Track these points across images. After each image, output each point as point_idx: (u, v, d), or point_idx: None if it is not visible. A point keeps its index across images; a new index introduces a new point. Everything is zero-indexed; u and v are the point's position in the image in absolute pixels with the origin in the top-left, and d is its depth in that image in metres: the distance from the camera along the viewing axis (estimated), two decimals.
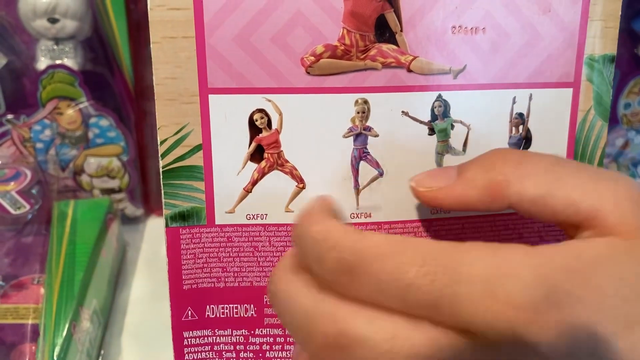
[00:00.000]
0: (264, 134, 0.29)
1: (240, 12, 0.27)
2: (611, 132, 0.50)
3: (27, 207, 0.41)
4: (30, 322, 0.35)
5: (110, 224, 0.43)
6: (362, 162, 0.30)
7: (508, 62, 0.30)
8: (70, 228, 0.41)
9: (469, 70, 0.29)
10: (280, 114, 0.29)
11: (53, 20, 0.43)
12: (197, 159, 0.29)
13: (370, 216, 0.31)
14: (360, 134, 0.29)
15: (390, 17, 0.28)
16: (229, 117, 0.29)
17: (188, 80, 0.28)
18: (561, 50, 0.30)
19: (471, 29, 0.28)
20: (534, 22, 0.29)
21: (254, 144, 0.29)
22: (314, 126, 0.29)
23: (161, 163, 0.29)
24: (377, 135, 0.29)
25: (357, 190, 0.30)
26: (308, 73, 0.28)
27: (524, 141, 0.31)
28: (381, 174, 0.30)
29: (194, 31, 0.27)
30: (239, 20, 0.27)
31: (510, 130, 0.31)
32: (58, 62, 0.45)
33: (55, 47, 0.45)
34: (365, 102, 0.29)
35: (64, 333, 0.33)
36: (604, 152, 0.31)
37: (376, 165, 0.30)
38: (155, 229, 0.50)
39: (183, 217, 0.30)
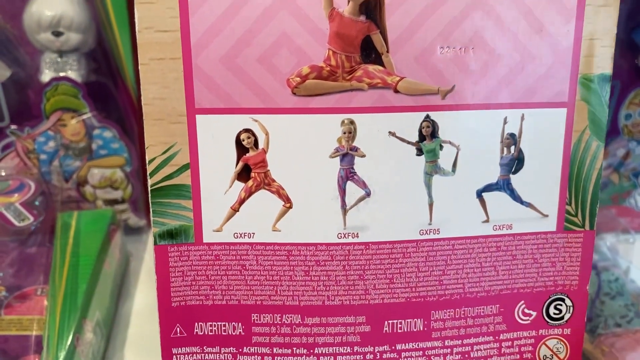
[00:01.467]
0: (251, 153, 0.30)
1: (226, 34, 0.28)
2: (612, 142, 0.50)
3: (31, 219, 0.41)
4: (34, 333, 0.35)
5: (113, 235, 0.43)
6: (349, 182, 0.30)
7: (499, 82, 0.30)
8: (73, 239, 0.42)
9: (458, 90, 0.29)
10: (267, 134, 0.29)
11: (57, 34, 0.44)
12: (185, 178, 0.30)
13: (357, 236, 0.31)
14: (347, 154, 0.30)
15: (377, 38, 0.28)
16: (216, 137, 0.29)
17: (175, 101, 0.29)
18: (554, 70, 0.30)
19: (460, 49, 0.29)
20: (525, 42, 0.29)
21: (241, 164, 0.30)
22: (301, 146, 0.29)
23: (149, 182, 0.29)
24: (363, 156, 0.30)
25: (344, 210, 0.31)
26: (294, 94, 0.28)
27: (516, 161, 0.31)
28: (368, 194, 0.30)
29: (181, 53, 0.28)
30: (226, 42, 0.28)
31: (502, 151, 0.31)
32: (62, 74, 0.45)
33: (59, 59, 0.45)
34: (352, 122, 0.29)
35: (68, 345, 0.33)
36: (600, 173, 0.31)
37: (363, 185, 0.30)
38: None
39: (171, 235, 0.31)
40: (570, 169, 0.31)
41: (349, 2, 0.27)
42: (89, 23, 0.45)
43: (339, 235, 0.31)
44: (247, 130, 0.29)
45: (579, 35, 0.29)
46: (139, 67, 0.28)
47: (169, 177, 0.30)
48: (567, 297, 0.33)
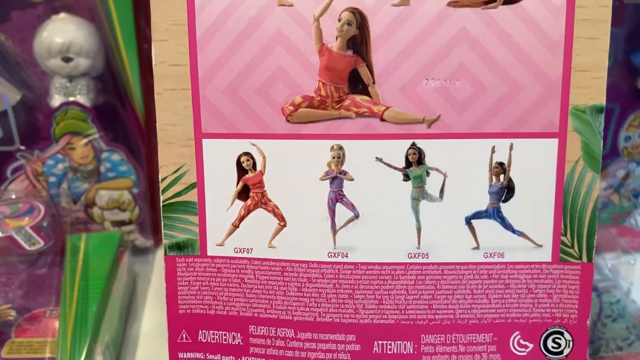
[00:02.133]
0: (250, 174, 0.33)
1: (229, 68, 0.32)
2: (612, 164, 0.51)
3: (42, 243, 0.42)
4: (46, 356, 0.35)
5: (121, 258, 0.44)
6: (338, 204, 0.33)
7: (485, 112, 0.31)
8: (82, 262, 0.43)
9: (444, 119, 0.31)
10: (264, 157, 0.33)
11: (67, 60, 0.45)
12: (192, 196, 0.34)
13: (347, 256, 0.33)
14: (336, 178, 0.32)
15: (363, 70, 0.31)
16: (220, 159, 0.33)
17: (185, 126, 0.33)
18: (543, 101, 0.30)
19: (445, 80, 0.30)
20: (512, 74, 0.30)
21: (241, 184, 0.33)
22: (294, 169, 0.33)
23: (161, 198, 0.34)
24: (352, 179, 0.32)
25: (334, 230, 0.33)
26: (288, 121, 0.32)
27: (506, 190, 0.32)
28: (357, 216, 0.33)
29: (190, 84, 0.32)
30: (228, 75, 0.32)
31: (490, 179, 0.32)
32: (71, 99, 0.47)
33: (68, 84, 0.46)
34: (340, 148, 0.32)
35: None
36: (597, 205, 0.31)
37: (352, 207, 0.33)
38: None
39: (179, 247, 0.34)
40: (564, 200, 0.31)
41: (337, 38, 0.31)
42: (98, 48, 0.46)
43: (329, 254, 0.33)
44: (246, 154, 0.33)
45: (568, 67, 0.30)
46: (155, 97, 0.32)
47: (178, 194, 0.34)
48: (565, 330, 0.33)
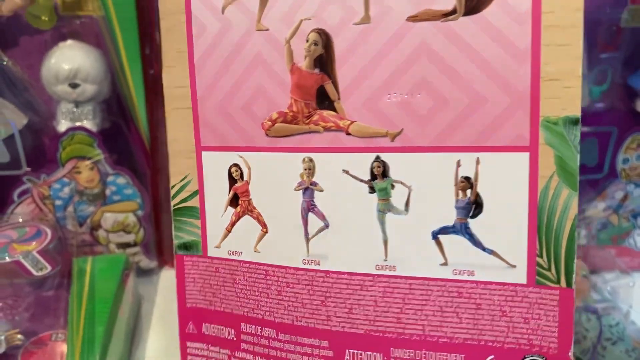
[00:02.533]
0: (238, 184, 0.36)
1: (219, 87, 0.35)
2: (611, 185, 0.52)
3: (49, 268, 0.43)
4: None
5: (126, 281, 0.45)
6: (310, 214, 0.34)
7: (448, 126, 0.30)
8: (89, 286, 0.43)
9: (407, 133, 0.31)
10: (249, 168, 0.36)
11: (74, 86, 0.46)
12: (195, 202, 0.38)
13: (319, 264, 0.35)
14: (308, 188, 0.34)
15: (329, 87, 0.32)
16: (216, 169, 0.37)
17: (188, 141, 0.37)
18: (510, 113, 0.29)
19: (406, 94, 0.31)
20: (475, 85, 0.29)
21: (232, 192, 0.37)
22: (273, 179, 0.35)
23: (172, 203, 0.38)
24: (322, 190, 0.34)
25: (307, 238, 0.35)
26: (267, 135, 0.34)
27: (474, 205, 0.31)
28: (327, 226, 0.34)
29: (191, 103, 0.36)
30: (219, 94, 0.35)
31: (457, 194, 0.31)
32: (78, 124, 0.48)
33: (75, 109, 0.48)
34: (311, 160, 0.33)
35: None
36: (575, 224, 0.30)
37: (322, 217, 0.34)
38: (169, 280, 0.52)
39: (186, 247, 0.38)
40: (538, 218, 0.30)
41: (305, 57, 0.33)
42: (104, 74, 0.48)
43: (304, 261, 0.35)
44: (235, 165, 0.36)
45: (537, 77, 0.28)
46: (165, 115, 0.37)
47: (184, 200, 0.38)
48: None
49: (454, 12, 0.29)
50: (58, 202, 0.50)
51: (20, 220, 0.48)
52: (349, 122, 0.32)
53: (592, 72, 0.52)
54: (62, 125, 0.48)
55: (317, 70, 0.32)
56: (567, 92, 0.28)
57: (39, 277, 0.43)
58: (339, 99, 0.32)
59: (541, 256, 0.31)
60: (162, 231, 0.54)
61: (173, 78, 0.36)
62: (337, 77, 0.32)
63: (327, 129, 0.33)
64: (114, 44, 0.48)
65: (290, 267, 0.35)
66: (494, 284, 0.31)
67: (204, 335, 0.38)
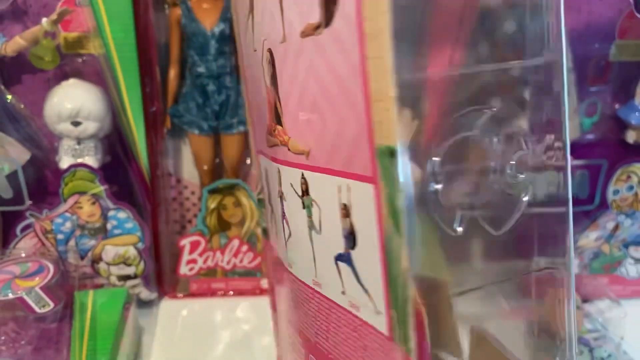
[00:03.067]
0: None
1: (253, 105, 0.40)
2: (602, 216, 0.53)
3: (51, 305, 0.44)
4: None
5: (127, 315, 0.46)
6: (284, 220, 0.36)
7: (329, 148, 0.28)
8: (90, 321, 0.44)
9: (312, 152, 0.30)
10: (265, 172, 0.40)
11: (76, 124, 0.47)
12: (263, 195, 0.42)
13: (291, 267, 0.36)
14: (281, 197, 0.35)
15: (278, 104, 0.33)
16: (266, 169, 0.40)
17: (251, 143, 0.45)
18: (359, 139, 0.25)
19: (310, 112, 0.29)
20: (340, 107, 0.26)
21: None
22: (272, 185, 0.37)
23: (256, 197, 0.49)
24: (285, 200, 0.35)
25: (285, 243, 0.36)
26: (267, 145, 0.36)
27: (352, 236, 0.27)
28: (290, 235, 0.35)
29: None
30: (253, 109, 0.40)
31: (342, 221, 0.28)
32: (80, 160, 0.49)
33: (77, 146, 0.49)
34: (279, 171, 0.35)
35: None
36: (408, 278, 0.24)
37: (288, 226, 0.35)
38: (168, 310, 0.53)
39: (264, 231, 0.44)
40: (387, 261, 0.25)
41: (268, 76, 0.34)
42: (105, 112, 0.49)
43: (285, 262, 0.37)
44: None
45: (368, 96, 0.24)
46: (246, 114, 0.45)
47: (259, 193, 0.46)
48: None
49: (320, 24, 0.26)
50: (60, 236, 0.51)
51: (23, 255, 0.49)
52: (287, 137, 0.32)
53: (582, 104, 0.53)
54: (64, 162, 0.49)
55: (272, 88, 0.33)
56: (385, 116, 0.23)
57: (41, 314, 0.44)
58: (282, 115, 0.33)
59: (394, 308, 0.25)
60: (162, 262, 0.55)
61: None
62: (279, 94, 0.32)
63: (281, 143, 0.33)
64: (115, 81, 0.49)
65: (280, 266, 0.38)
66: (371, 328, 0.28)
67: None
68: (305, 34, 0.27)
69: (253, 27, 0.35)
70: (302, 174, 0.31)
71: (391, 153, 0.23)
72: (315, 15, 0.26)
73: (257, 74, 0.35)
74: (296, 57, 0.28)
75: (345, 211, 0.27)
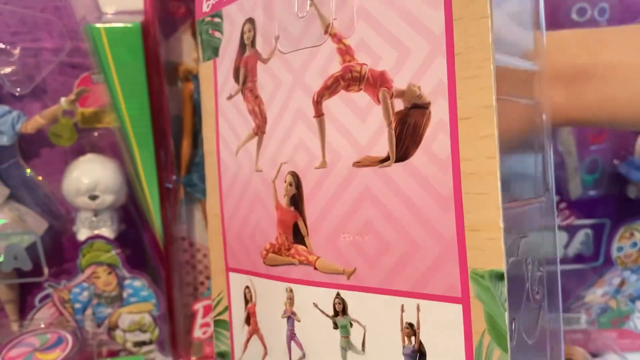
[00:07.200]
0: (249, 304, 0.39)
1: (237, 219, 0.39)
2: (608, 272, 0.54)
3: None
4: None
5: None
6: (292, 342, 0.36)
7: (391, 269, 0.30)
8: None
9: (359, 272, 0.31)
10: (254, 291, 0.39)
11: (93, 197, 0.48)
12: (226, 316, 0.41)
13: None
14: (290, 317, 0.36)
15: (300, 224, 0.34)
16: (237, 289, 0.40)
17: (221, 261, 0.41)
18: (441, 262, 0.27)
19: (357, 235, 0.31)
20: (411, 232, 0.29)
21: (246, 311, 0.40)
22: (268, 305, 0.37)
23: (213, 314, 0.42)
24: (299, 321, 0.35)
25: None
26: (264, 263, 0.37)
27: (418, 354, 0.29)
28: (304, 356, 0.35)
29: (222, 229, 0.40)
30: (236, 223, 0.39)
31: (403, 340, 0.29)
32: (96, 232, 0.50)
33: (94, 218, 0.50)
34: (291, 290, 0.35)
35: None
36: None
37: (300, 347, 0.35)
38: None
39: (222, 355, 0.42)
40: None
41: (284, 196, 0.35)
42: (121, 184, 0.50)
43: None
44: (247, 287, 0.39)
45: (461, 226, 0.26)
46: (208, 235, 0.42)
47: (220, 313, 0.42)
48: None
49: (388, 158, 0.30)
50: (77, 305, 0.52)
51: (42, 325, 0.50)
52: (315, 257, 0.33)
53: (584, 162, 0.55)
54: (82, 234, 0.51)
55: (292, 208, 0.34)
56: (490, 244, 0.26)
57: None
58: (307, 235, 0.34)
59: None
60: (176, 326, 0.56)
61: (212, 206, 0.41)
62: (305, 215, 0.34)
63: (301, 262, 0.34)
64: (130, 153, 0.51)
65: None
66: None
67: None
68: (362, 164, 0.30)
69: (259, 149, 0.36)
70: (338, 294, 0.32)
71: (499, 277, 0.25)
72: (376, 149, 0.30)
73: (257, 191, 0.37)
74: (343, 183, 0.31)
75: (410, 330, 0.29)
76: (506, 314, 0.25)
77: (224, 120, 0.39)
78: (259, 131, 0.36)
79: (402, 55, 0.28)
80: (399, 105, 0.29)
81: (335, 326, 0.32)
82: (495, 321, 0.26)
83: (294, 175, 0.34)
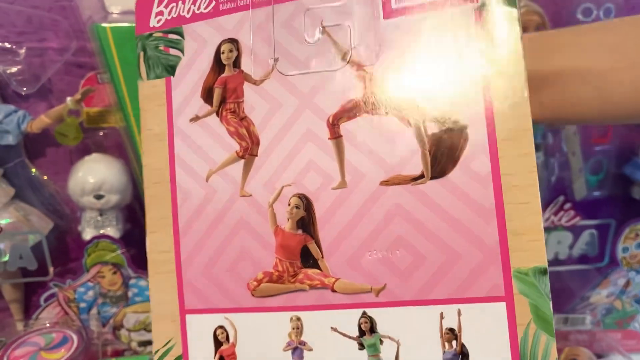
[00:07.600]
0: (224, 346, 0.36)
1: (204, 252, 0.36)
2: (613, 273, 0.55)
3: None
4: None
5: None
6: None
7: (429, 280, 0.31)
8: None
9: (390, 288, 0.32)
10: (235, 330, 0.35)
11: (99, 197, 0.48)
12: None
13: None
14: (297, 348, 0.34)
15: (312, 247, 0.34)
16: (200, 332, 0.36)
17: (172, 304, 0.37)
18: (484, 266, 0.31)
19: (386, 251, 0.32)
20: (448, 242, 0.31)
21: (217, 355, 0.36)
22: (260, 340, 0.35)
23: None
24: (311, 350, 0.34)
25: None
26: (253, 295, 0.35)
27: (460, 356, 0.31)
28: None
29: (175, 267, 0.37)
30: (204, 258, 0.36)
31: (443, 345, 0.31)
32: (102, 231, 0.50)
33: (99, 217, 0.50)
34: (299, 319, 0.34)
35: None
36: None
37: None
38: None
39: None
40: None
41: (288, 220, 0.34)
42: (126, 184, 0.50)
43: None
44: (221, 327, 0.36)
45: (504, 232, 0.30)
46: (149, 279, 0.37)
47: None
48: None
49: (421, 176, 0.31)
50: (82, 305, 0.52)
51: (47, 324, 0.50)
52: (333, 279, 0.33)
53: (588, 163, 0.55)
54: (87, 234, 0.51)
55: (300, 231, 0.34)
56: (533, 245, 0.30)
57: None
58: (322, 257, 0.33)
59: None
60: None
61: (157, 243, 0.37)
62: (319, 237, 0.33)
63: (312, 287, 0.34)
64: (135, 152, 0.51)
65: None
66: None
67: None
68: (390, 183, 0.32)
69: (247, 172, 0.35)
70: (364, 312, 0.33)
71: (542, 272, 0.30)
72: (408, 168, 0.32)
73: (242, 217, 0.35)
74: (368, 201, 0.32)
75: (451, 335, 0.31)
76: (550, 303, 0.29)
77: (185, 145, 0.37)
78: (247, 154, 0.35)
79: None
80: (432, 127, 0.31)
81: (362, 347, 0.33)
82: (541, 311, 0.30)
83: (302, 198, 0.34)
